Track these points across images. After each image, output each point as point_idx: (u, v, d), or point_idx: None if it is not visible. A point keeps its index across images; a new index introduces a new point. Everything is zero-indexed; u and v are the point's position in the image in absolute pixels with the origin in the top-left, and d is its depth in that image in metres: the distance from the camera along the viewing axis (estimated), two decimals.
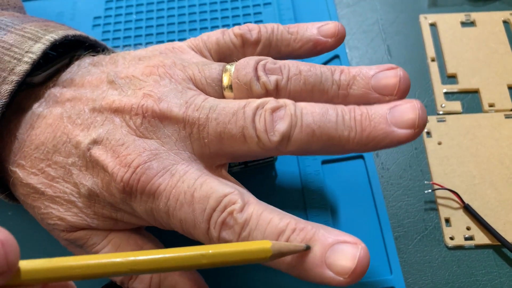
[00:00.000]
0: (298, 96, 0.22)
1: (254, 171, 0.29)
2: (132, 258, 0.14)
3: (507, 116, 0.31)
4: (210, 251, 0.14)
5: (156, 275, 0.22)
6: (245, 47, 0.25)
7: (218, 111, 0.21)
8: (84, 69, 0.25)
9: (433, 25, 0.35)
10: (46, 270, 0.15)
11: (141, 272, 0.15)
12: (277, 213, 0.19)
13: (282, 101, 0.21)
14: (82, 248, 0.23)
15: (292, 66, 0.22)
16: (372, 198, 0.28)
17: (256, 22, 0.36)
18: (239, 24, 0.36)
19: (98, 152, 0.21)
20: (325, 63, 0.33)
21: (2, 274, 0.14)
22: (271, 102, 0.21)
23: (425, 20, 0.35)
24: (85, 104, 0.23)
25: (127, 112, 0.21)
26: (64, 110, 0.23)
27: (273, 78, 0.22)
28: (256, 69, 0.22)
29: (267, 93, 0.22)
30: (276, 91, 0.22)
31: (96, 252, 0.22)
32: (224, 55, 0.25)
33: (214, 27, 0.36)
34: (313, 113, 0.20)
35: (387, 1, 0.37)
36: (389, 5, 0.37)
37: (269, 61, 0.22)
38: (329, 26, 0.25)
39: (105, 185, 0.21)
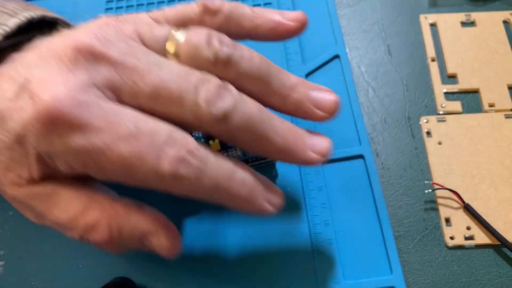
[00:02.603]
0: (242, 79, 0.22)
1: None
2: None
3: (507, 116, 0.31)
4: None
5: (114, 221, 0.21)
6: (204, 14, 0.24)
7: (161, 66, 0.20)
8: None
9: (433, 25, 0.35)
10: None
11: None
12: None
13: (227, 83, 0.21)
14: (46, 204, 0.21)
15: (246, 49, 0.22)
16: (372, 198, 0.28)
17: None
18: None
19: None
20: (326, 63, 0.33)
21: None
22: (217, 79, 0.20)
23: (425, 20, 0.35)
24: None
25: (63, 49, 0.20)
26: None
27: (226, 49, 0.21)
28: (210, 35, 0.21)
29: (216, 62, 0.21)
30: (224, 65, 0.21)
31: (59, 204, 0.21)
32: (182, 24, 0.24)
33: None
34: (251, 105, 0.21)
35: (387, 1, 0.37)
36: (389, 5, 0.37)
37: (226, 37, 0.22)
38: (291, 12, 0.25)
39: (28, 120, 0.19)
